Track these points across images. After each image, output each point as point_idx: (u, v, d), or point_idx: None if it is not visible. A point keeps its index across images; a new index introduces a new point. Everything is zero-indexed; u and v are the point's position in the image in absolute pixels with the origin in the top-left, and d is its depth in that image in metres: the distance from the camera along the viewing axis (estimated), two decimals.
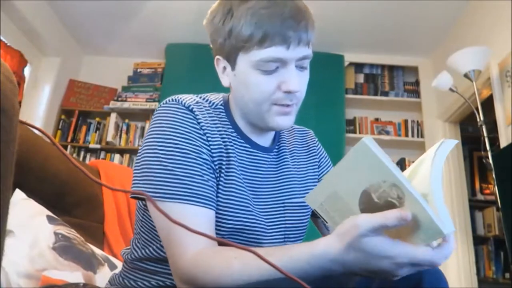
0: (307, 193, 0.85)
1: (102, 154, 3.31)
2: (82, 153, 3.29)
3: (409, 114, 3.41)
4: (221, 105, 0.79)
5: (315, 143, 0.95)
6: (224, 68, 0.76)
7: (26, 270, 0.84)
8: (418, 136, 3.31)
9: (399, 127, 3.39)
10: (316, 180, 0.91)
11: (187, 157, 0.67)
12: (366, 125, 3.39)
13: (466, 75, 2.35)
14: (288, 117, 0.74)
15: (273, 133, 0.84)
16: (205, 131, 0.71)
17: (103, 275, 0.96)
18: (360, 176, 0.52)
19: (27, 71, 3.02)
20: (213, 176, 0.70)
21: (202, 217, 0.65)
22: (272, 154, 0.83)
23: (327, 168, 0.94)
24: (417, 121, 3.36)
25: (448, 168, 2.98)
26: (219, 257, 0.61)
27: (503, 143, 2.26)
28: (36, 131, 1.08)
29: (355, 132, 3.32)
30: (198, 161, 0.68)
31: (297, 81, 0.70)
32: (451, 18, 2.91)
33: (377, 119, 3.46)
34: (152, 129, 0.71)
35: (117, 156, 3.31)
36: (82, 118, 3.41)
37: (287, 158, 0.85)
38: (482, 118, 2.32)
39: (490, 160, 2.15)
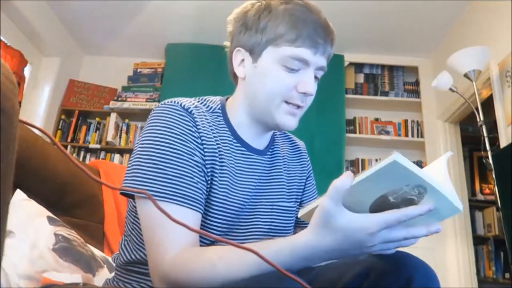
0: (292, 199, 0.87)
1: (102, 154, 3.31)
2: (82, 153, 3.29)
3: (409, 114, 3.41)
4: (218, 109, 0.80)
5: (306, 156, 0.97)
6: (243, 60, 0.78)
7: (26, 271, 0.83)
8: (418, 136, 3.31)
9: (399, 127, 3.39)
10: (301, 190, 0.93)
11: (179, 157, 0.68)
12: (366, 125, 3.39)
13: (466, 75, 2.35)
14: (294, 118, 0.77)
15: (269, 136, 0.86)
16: (201, 134, 0.72)
17: (102, 278, 0.96)
18: (383, 185, 0.53)
19: (27, 71, 3.01)
20: (204, 179, 0.70)
21: (186, 218, 0.64)
22: (266, 156, 0.84)
23: (312, 185, 0.96)
24: (417, 121, 3.36)
25: (448, 168, 2.98)
26: (202, 259, 0.60)
27: (503, 143, 2.26)
28: (37, 131, 1.08)
29: (355, 132, 3.32)
30: (190, 163, 0.68)
31: (313, 86, 0.75)
32: (451, 18, 2.91)
33: (377, 119, 3.45)
34: (148, 128, 0.72)
35: (117, 156, 3.31)
36: (82, 118, 3.41)
37: (279, 162, 0.88)
38: (482, 118, 2.31)
39: (490, 160, 2.15)
